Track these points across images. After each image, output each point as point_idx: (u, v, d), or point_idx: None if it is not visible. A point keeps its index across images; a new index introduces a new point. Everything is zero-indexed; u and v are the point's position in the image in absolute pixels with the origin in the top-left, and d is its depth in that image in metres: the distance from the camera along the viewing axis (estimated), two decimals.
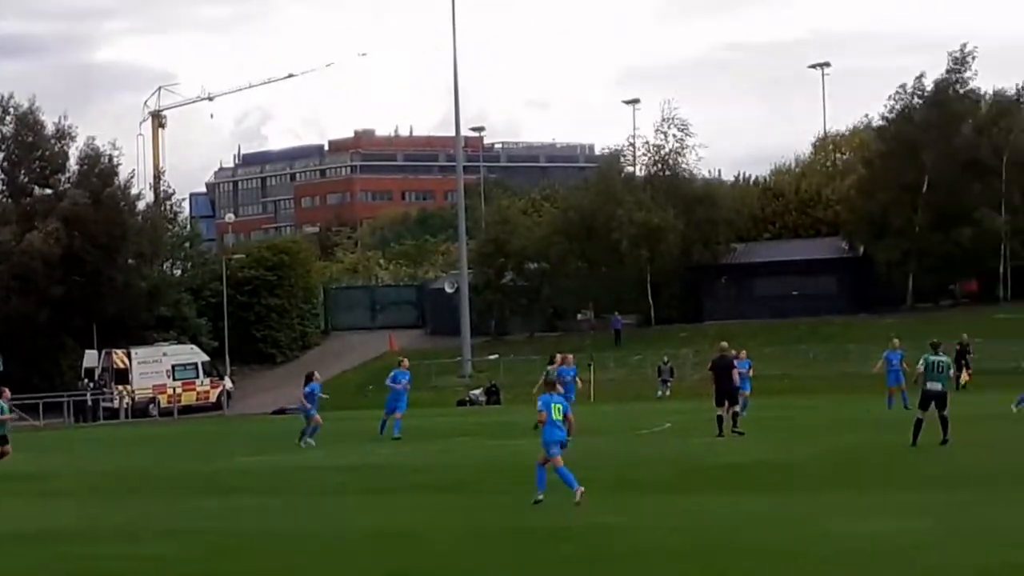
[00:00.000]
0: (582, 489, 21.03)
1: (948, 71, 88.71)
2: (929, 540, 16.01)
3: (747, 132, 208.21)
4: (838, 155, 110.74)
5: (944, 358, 30.65)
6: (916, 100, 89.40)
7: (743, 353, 45.04)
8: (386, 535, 19.33)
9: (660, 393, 68.38)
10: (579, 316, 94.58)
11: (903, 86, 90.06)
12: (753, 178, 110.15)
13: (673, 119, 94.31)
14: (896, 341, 48.48)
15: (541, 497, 21.40)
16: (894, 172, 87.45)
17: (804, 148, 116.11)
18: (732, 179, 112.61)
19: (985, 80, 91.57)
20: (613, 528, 18.82)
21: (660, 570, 15.52)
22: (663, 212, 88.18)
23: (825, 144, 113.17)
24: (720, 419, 35.95)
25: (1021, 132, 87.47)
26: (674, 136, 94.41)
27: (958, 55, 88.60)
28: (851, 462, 28.09)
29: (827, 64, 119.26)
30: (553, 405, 21.67)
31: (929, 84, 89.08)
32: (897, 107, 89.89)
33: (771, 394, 50.76)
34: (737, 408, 36.64)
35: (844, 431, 37.99)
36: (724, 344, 38.70)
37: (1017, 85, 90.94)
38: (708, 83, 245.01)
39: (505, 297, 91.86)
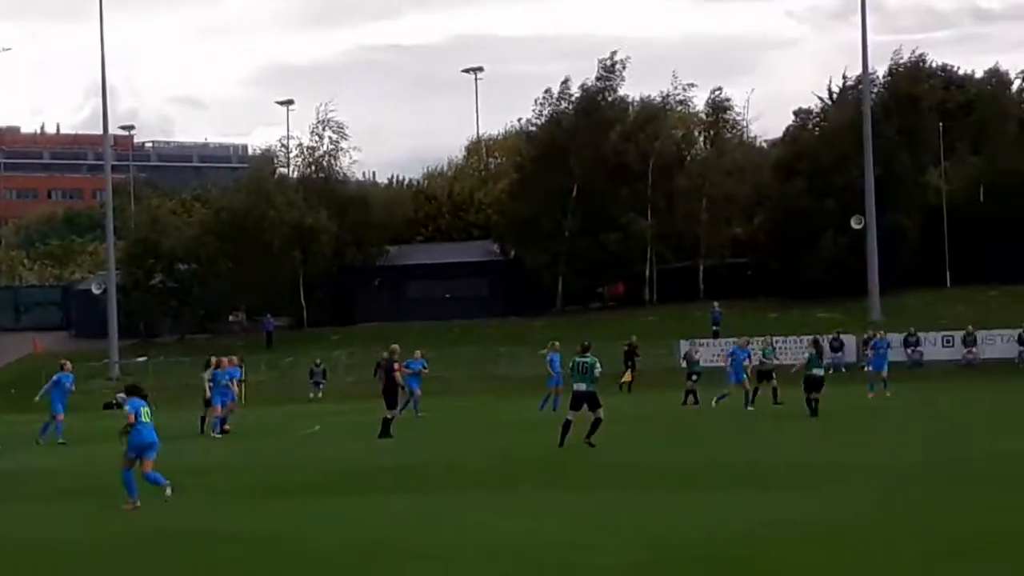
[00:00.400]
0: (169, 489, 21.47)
1: (598, 78, 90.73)
2: (563, 538, 16.10)
3: (402, 135, 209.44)
4: (490, 159, 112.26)
5: (589, 359, 30.77)
6: (565, 106, 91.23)
7: (417, 353, 47.41)
8: (20, 543, 18.49)
9: (312, 395, 68.09)
10: (231, 318, 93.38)
11: (549, 91, 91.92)
12: (407, 181, 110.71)
13: (328, 121, 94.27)
14: (556, 343, 49.21)
15: (138, 504, 21.16)
16: (544, 177, 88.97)
17: (457, 152, 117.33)
18: (386, 182, 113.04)
19: (632, 87, 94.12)
20: (258, 532, 18.43)
21: (303, 573, 15.23)
22: (316, 213, 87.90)
23: (478, 148, 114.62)
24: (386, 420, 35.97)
25: (667, 139, 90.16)
26: (329, 138, 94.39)
27: (608, 63, 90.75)
28: (500, 462, 28.24)
29: (480, 68, 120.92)
30: (142, 409, 21.63)
31: (575, 89, 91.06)
32: (546, 112, 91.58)
33: (425, 396, 50.82)
34: (390, 414, 36.35)
35: (494, 432, 38.31)
36: (394, 347, 38.64)
37: (663, 92, 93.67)
38: (365, 85, 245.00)
39: (154, 298, 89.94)
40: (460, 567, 14.62)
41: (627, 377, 61.94)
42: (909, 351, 67.70)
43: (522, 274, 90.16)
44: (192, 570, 15.78)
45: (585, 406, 30.49)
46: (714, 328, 73.37)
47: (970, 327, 68.02)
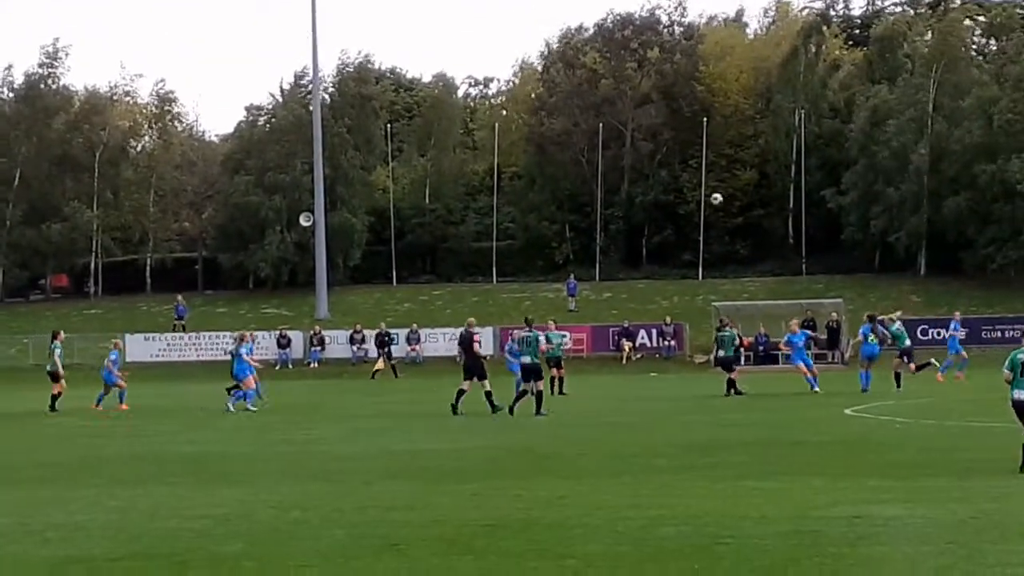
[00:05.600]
0: None
1: (40, 65, 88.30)
2: None
3: None
4: None
5: (532, 334, 34.75)
6: (7, 93, 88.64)
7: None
8: None
9: None
10: None
11: None
12: None
13: None
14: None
15: None
16: None
17: None
18: None
19: (77, 77, 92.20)
20: None
21: None
22: None
23: None
24: (461, 392, 35.25)
25: (115, 128, 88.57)
26: None
27: (51, 50, 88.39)
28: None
29: None
30: None
31: (19, 77, 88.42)
32: None
33: None
34: (487, 386, 35.38)
35: None
36: (471, 320, 38.20)
37: (110, 82, 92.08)
38: None
39: None
40: None
41: (380, 364, 61.47)
42: (355, 348, 68.65)
43: None
44: None
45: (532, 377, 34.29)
46: (176, 322, 72.85)
47: (415, 325, 69.65)
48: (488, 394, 35.05)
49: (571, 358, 67.12)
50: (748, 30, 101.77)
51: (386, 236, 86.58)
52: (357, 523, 15.84)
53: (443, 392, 47.11)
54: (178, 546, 14.44)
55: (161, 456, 25.51)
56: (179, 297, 75.43)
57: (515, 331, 46.62)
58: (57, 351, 41.40)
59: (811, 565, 12.76)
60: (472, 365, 35.54)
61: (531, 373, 34.29)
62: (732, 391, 40.90)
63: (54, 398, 40.63)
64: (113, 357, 41.93)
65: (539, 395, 33.71)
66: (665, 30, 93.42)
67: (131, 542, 14.84)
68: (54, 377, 41.17)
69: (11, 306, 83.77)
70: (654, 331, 68.59)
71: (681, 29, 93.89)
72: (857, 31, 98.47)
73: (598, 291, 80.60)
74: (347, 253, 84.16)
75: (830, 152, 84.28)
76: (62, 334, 42.74)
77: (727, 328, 42.96)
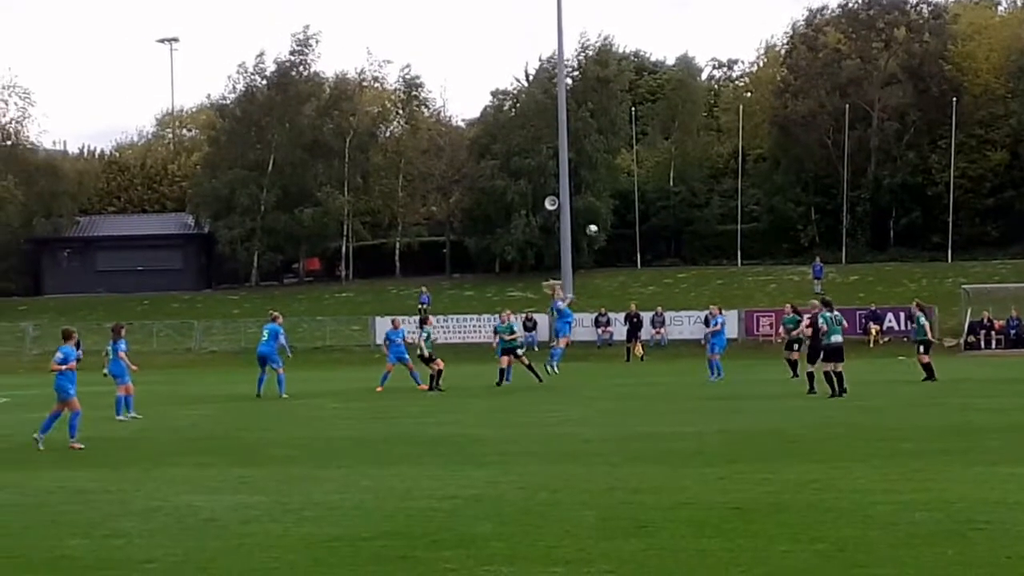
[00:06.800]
0: None
1: (292, 52, 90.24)
2: (259, 513, 15.90)
3: (96, 104, 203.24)
4: (184, 131, 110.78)
5: (838, 314, 34.42)
6: (260, 80, 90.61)
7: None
8: None
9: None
10: None
11: (243, 65, 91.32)
12: (99, 151, 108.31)
13: (15, 87, 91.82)
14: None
15: None
16: (240, 150, 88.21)
17: (149, 123, 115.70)
18: (77, 151, 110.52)
19: (327, 63, 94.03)
20: None
21: None
22: (3, 181, 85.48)
23: (171, 120, 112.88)
24: (811, 375, 35.91)
25: (365, 115, 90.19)
26: (16, 105, 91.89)
27: (302, 37, 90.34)
28: (191, 440, 27.68)
29: (176, 39, 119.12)
30: None
31: (270, 64, 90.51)
32: (239, 86, 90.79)
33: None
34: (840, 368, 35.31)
35: (196, 405, 37.59)
36: (815, 302, 38.21)
37: (358, 69, 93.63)
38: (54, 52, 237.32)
39: None
40: (144, 543, 14.27)
41: (638, 349, 62.44)
42: (600, 331, 68.94)
43: (217, 247, 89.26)
44: None
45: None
46: (420, 307, 73.82)
47: (659, 308, 69.62)
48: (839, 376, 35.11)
49: None
50: (1000, 8, 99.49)
51: (630, 219, 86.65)
52: (605, 505, 15.95)
53: (688, 376, 47.16)
54: (430, 526, 14.71)
55: (410, 437, 25.94)
56: (423, 288, 76.56)
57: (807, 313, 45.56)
58: (423, 336, 42.37)
59: None
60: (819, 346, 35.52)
61: (836, 353, 33.93)
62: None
63: (432, 378, 41.41)
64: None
65: (840, 376, 33.61)
66: (912, 9, 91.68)
67: (384, 521, 15.15)
68: (427, 360, 41.98)
69: (266, 289, 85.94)
70: (902, 314, 67.40)
71: (929, 8, 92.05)
72: None
73: (844, 274, 79.53)
74: (592, 236, 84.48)
75: None
76: (432, 320, 43.89)
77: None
